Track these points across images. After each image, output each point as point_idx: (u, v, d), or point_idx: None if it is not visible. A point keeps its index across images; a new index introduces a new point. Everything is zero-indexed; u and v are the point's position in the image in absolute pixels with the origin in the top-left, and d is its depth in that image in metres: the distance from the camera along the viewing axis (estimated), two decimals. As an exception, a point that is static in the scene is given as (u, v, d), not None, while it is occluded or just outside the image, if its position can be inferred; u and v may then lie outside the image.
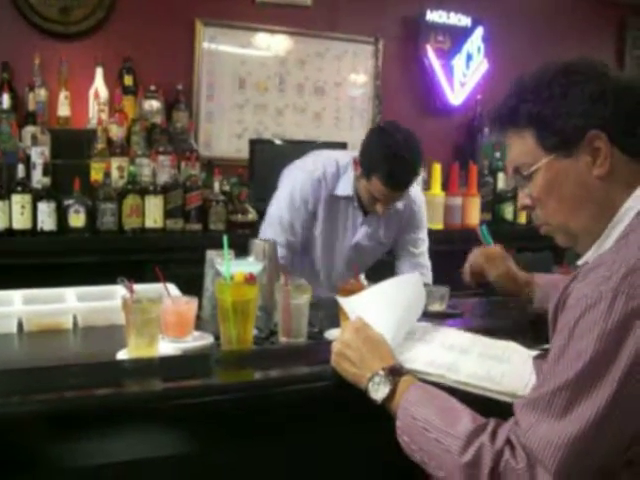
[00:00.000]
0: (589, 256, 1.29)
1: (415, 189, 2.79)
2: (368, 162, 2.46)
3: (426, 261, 2.88)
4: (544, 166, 1.31)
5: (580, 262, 1.32)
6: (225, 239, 1.79)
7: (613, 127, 1.24)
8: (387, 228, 2.75)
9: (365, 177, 2.48)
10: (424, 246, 2.88)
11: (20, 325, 1.89)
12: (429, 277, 2.84)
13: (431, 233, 4.11)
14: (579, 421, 1.10)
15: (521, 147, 1.33)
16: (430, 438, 1.23)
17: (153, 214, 3.46)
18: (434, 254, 3.84)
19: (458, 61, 4.70)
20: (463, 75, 4.72)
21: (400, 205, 2.69)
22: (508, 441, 1.16)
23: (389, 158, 2.38)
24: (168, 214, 3.50)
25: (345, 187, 2.63)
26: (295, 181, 2.64)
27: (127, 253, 3.32)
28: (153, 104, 3.82)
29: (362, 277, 2.69)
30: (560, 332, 1.18)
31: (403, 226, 2.79)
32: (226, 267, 1.69)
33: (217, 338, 1.74)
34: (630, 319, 1.09)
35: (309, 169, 2.66)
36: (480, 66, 4.75)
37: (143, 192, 3.46)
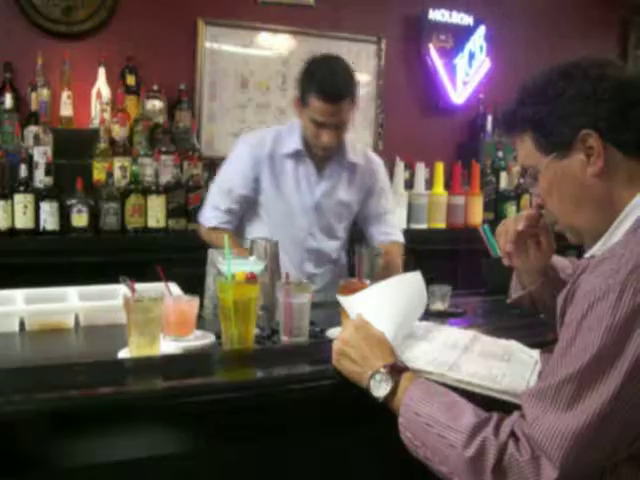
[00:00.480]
0: (596, 249, 1.31)
1: (371, 153, 2.87)
2: (303, 86, 2.52)
3: (395, 222, 2.91)
4: (543, 168, 1.34)
5: (587, 255, 1.33)
6: (226, 239, 1.80)
7: (606, 125, 1.26)
8: (348, 186, 2.74)
9: (303, 105, 2.51)
10: (390, 208, 2.89)
11: (22, 324, 1.90)
12: (399, 236, 2.85)
13: (434, 232, 4.17)
14: (585, 413, 1.11)
15: (524, 150, 1.38)
16: (433, 433, 1.23)
17: (155, 214, 3.46)
18: (437, 253, 3.86)
19: (460, 60, 4.69)
20: (465, 74, 4.71)
21: (355, 158, 2.72)
22: (512, 434, 1.17)
23: (320, 73, 2.49)
24: (170, 214, 3.50)
25: (292, 142, 2.64)
26: (236, 152, 2.73)
27: (129, 253, 3.32)
28: (155, 104, 3.82)
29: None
30: (568, 325, 1.19)
31: (367, 190, 2.78)
32: (227, 266, 1.70)
33: (218, 337, 1.74)
34: (637, 313, 1.11)
35: (248, 137, 2.76)
36: (482, 65, 4.74)
37: (145, 192, 3.47)
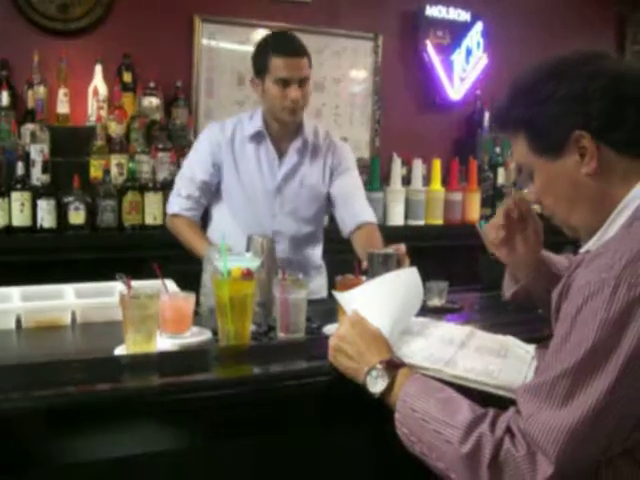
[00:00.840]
0: (591, 244, 1.31)
1: (335, 137, 2.88)
2: (261, 58, 2.60)
3: (364, 201, 2.81)
4: (537, 169, 1.35)
5: (582, 250, 1.33)
6: (222, 236, 1.80)
7: (597, 125, 1.25)
8: (311, 167, 2.74)
9: (264, 75, 2.58)
10: (358, 187, 2.84)
11: (19, 321, 1.90)
12: (371, 215, 2.77)
13: (431, 229, 4.17)
14: (580, 409, 1.11)
15: (518, 149, 1.38)
16: (429, 429, 1.23)
17: (153, 211, 3.46)
18: (434, 249, 3.86)
19: (458, 56, 4.68)
20: (463, 70, 4.71)
21: (317, 140, 2.75)
22: (508, 430, 1.16)
23: (275, 40, 2.65)
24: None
25: (253, 125, 2.70)
26: (198, 140, 2.83)
27: (127, 250, 3.32)
28: (152, 101, 3.81)
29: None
30: (563, 320, 1.19)
31: (331, 171, 2.78)
32: (224, 263, 1.70)
33: (215, 333, 1.74)
34: (632, 307, 1.10)
35: (211, 125, 2.85)
36: (480, 61, 4.73)
37: (143, 189, 3.47)
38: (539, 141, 1.32)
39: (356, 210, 2.75)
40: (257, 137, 2.69)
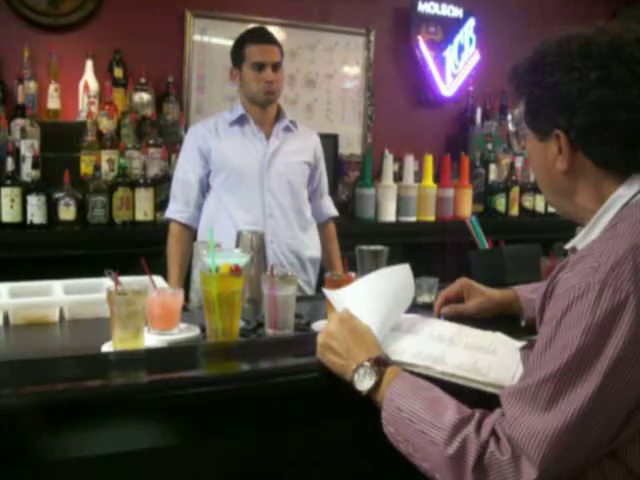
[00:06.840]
0: (575, 242, 1.31)
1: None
2: (238, 49, 2.84)
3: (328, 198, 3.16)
4: (527, 135, 1.35)
5: (567, 246, 1.33)
6: (210, 231, 1.79)
7: (576, 135, 1.24)
8: (296, 143, 2.93)
9: (242, 63, 2.81)
10: (325, 184, 3.13)
11: (6, 318, 1.89)
12: (334, 210, 3.15)
13: (423, 225, 4.17)
14: (564, 414, 1.09)
15: (519, 110, 1.37)
16: (415, 429, 1.22)
17: (143, 207, 3.45)
18: (426, 246, 3.86)
19: (450, 52, 4.68)
20: (455, 66, 4.71)
21: (295, 123, 2.96)
22: (493, 432, 1.15)
23: (249, 32, 2.96)
24: (158, 207, 3.49)
25: (234, 113, 2.88)
26: (184, 141, 2.97)
27: (117, 246, 3.32)
28: (143, 96, 3.80)
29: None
30: (547, 323, 1.17)
31: (314, 154, 2.99)
32: (211, 259, 1.69)
33: (204, 330, 1.74)
34: (617, 312, 1.09)
35: (192, 126, 3.06)
36: (472, 57, 4.73)
37: (133, 185, 3.46)
38: (530, 117, 1.32)
39: (328, 204, 3.11)
40: (240, 121, 2.85)
